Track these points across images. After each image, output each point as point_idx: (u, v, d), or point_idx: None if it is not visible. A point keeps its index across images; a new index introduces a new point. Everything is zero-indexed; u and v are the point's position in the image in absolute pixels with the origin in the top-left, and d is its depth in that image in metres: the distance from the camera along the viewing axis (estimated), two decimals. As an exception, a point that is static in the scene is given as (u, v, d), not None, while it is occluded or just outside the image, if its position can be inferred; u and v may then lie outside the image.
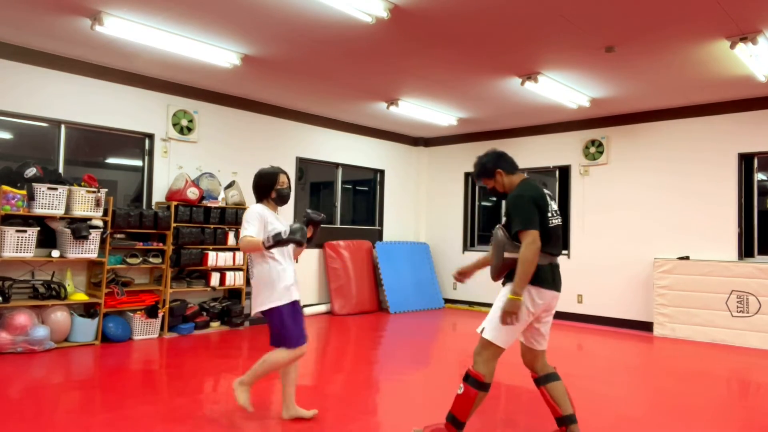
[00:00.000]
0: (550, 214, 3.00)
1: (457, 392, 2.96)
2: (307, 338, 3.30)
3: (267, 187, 3.33)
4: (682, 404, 3.98)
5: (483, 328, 2.99)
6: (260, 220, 3.23)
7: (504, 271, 3.07)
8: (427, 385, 4.29)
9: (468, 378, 2.94)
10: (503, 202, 3.14)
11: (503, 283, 3.09)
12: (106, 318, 5.50)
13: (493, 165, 3.18)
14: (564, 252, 7.91)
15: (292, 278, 3.30)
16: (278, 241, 3.09)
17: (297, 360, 3.30)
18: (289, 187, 3.40)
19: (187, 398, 3.74)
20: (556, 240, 3.03)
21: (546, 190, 3.13)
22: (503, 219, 3.21)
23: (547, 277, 2.96)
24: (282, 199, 3.37)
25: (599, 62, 5.31)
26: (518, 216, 2.92)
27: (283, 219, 3.44)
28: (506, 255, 3.02)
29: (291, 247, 3.36)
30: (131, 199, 6.27)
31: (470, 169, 9.03)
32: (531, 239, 2.85)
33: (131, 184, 6.29)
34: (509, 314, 2.84)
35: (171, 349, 5.29)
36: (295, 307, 3.27)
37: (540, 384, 3.11)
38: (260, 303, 3.24)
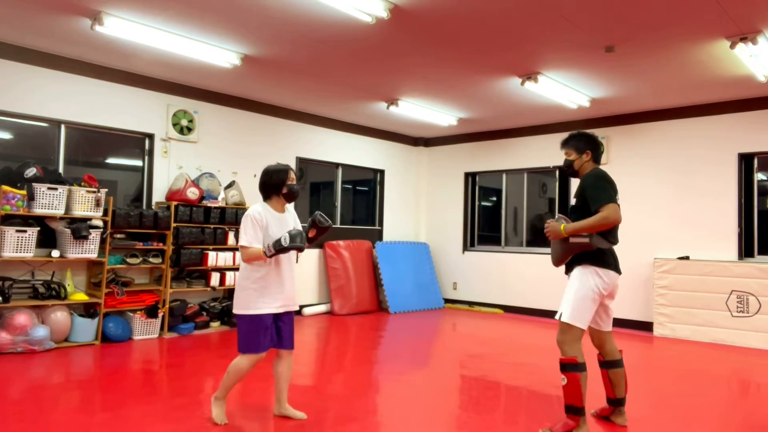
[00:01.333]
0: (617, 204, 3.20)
1: (562, 384, 3.17)
2: (267, 348, 3.23)
3: (278, 184, 3.29)
4: (682, 404, 3.98)
5: (560, 314, 3.23)
6: (258, 226, 3.19)
7: (568, 256, 3.26)
8: (427, 385, 4.29)
9: (565, 366, 3.16)
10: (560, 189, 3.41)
11: (567, 270, 3.32)
12: (106, 318, 5.50)
13: (587, 144, 3.36)
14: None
15: (279, 287, 3.25)
16: (279, 249, 3.09)
17: (257, 363, 3.24)
18: (297, 183, 3.39)
19: (187, 398, 3.74)
20: (615, 230, 3.24)
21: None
22: (572, 201, 3.42)
23: (611, 261, 3.22)
24: (292, 196, 3.34)
25: (599, 62, 5.31)
26: (600, 191, 3.15)
27: (293, 215, 3.41)
28: (572, 240, 3.21)
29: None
30: (131, 199, 6.27)
31: (470, 168, 9.04)
32: (609, 210, 3.08)
33: (131, 184, 6.29)
34: (548, 232, 3.26)
35: (171, 349, 5.29)
36: (269, 319, 3.22)
37: (603, 367, 3.44)
38: (236, 305, 3.25)
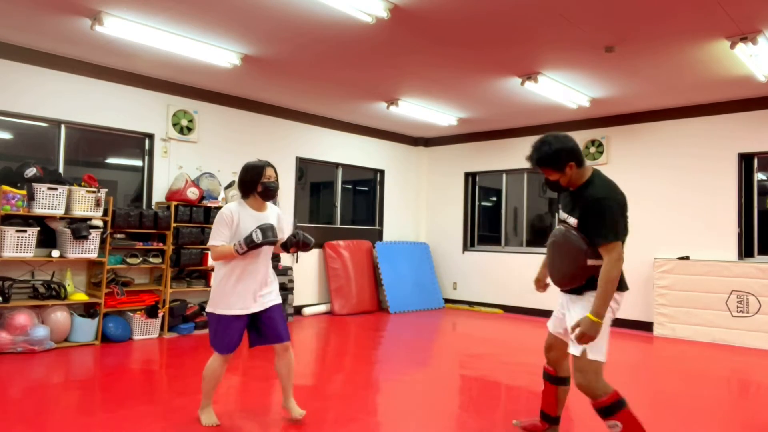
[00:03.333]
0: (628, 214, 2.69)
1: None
2: (232, 349, 3.20)
3: (252, 181, 3.21)
4: (682, 404, 3.98)
5: (584, 350, 2.61)
6: (229, 225, 3.16)
7: (584, 279, 2.67)
8: (427, 385, 4.29)
9: (607, 410, 2.59)
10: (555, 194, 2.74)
11: (576, 292, 2.73)
12: (106, 318, 5.50)
13: (567, 157, 2.66)
14: (564, 252, 7.90)
15: (251, 286, 3.19)
16: (251, 245, 3.06)
17: (227, 361, 3.23)
18: (277, 181, 3.28)
19: (187, 398, 3.74)
20: None
21: None
22: (567, 217, 2.76)
23: (624, 279, 2.70)
24: (268, 193, 3.24)
25: (599, 62, 5.31)
26: (607, 225, 2.53)
27: (275, 212, 3.36)
28: (591, 263, 2.63)
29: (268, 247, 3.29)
30: (131, 199, 6.27)
31: (470, 168, 9.04)
32: (618, 255, 2.52)
33: (131, 184, 6.29)
34: (590, 338, 2.53)
35: (171, 349, 5.29)
36: (238, 319, 3.18)
37: (554, 382, 3.03)
38: (208, 303, 3.24)
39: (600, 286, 2.52)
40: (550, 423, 3.09)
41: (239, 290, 3.18)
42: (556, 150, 2.66)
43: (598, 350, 2.61)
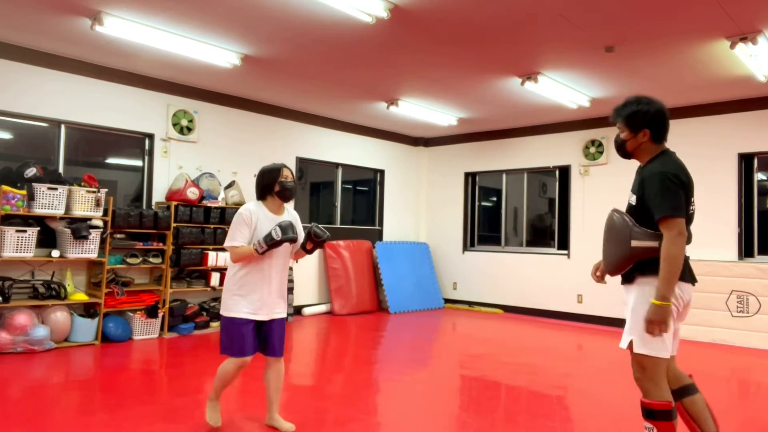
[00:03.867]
0: (693, 200, 2.52)
1: None
2: (248, 353, 3.09)
3: (270, 183, 3.19)
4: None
5: (630, 342, 2.45)
6: (248, 224, 3.11)
7: (630, 263, 2.49)
8: (427, 385, 4.29)
9: (653, 413, 2.38)
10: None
11: (625, 280, 2.55)
12: (106, 318, 5.50)
13: (645, 121, 2.58)
14: (564, 252, 7.91)
15: (264, 293, 3.12)
16: (271, 243, 3.02)
17: (242, 367, 3.13)
18: (294, 181, 3.26)
19: (187, 398, 3.74)
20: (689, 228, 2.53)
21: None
22: (631, 196, 2.63)
23: (689, 270, 2.50)
24: (286, 193, 3.21)
25: (599, 62, 5.31)
26: (666, 199, 2.39)
27: (293, 217, 3.32)
28: (635, 244, 2.45)
29: (284, 250, 3.23)
30: (131, 199, 6.27)
31: (470, 168, 9.03)
32: (678, 230, 2.35)
33: (131, 184, 6.29)
34: (659, 324, 2.33)
35: (171, 349, 5.29)
36: (249, 325, 3.10)
37: (676, 398, 2.56)
38: (221, 306, 3.18)
39: (661, 266, 2.34)
40: None
41: (254, 295, 3.12)
42: (639, 110, 2.59)
43: (646, 344, 2.39)
